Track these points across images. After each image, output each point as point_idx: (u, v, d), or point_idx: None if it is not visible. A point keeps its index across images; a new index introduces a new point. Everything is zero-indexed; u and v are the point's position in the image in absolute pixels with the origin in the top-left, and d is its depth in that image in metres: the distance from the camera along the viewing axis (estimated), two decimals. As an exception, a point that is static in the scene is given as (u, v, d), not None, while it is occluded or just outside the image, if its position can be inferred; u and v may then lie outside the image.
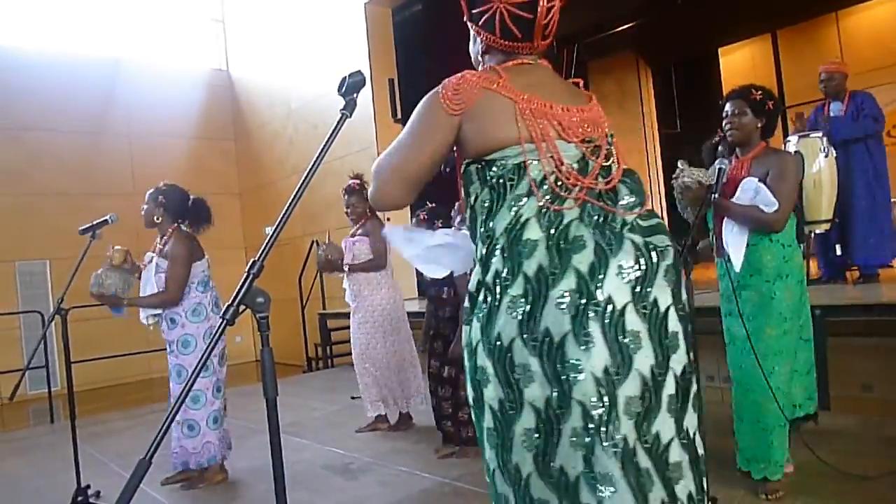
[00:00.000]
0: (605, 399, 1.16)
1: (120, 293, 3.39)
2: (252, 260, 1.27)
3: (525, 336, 1.21)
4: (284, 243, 8.73)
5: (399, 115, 7.13)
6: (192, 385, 1.22)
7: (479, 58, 1.50)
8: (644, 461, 1.18)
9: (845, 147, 4.54)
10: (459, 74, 1.36)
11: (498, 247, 1.28)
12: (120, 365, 7.82)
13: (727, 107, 2.78)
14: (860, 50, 9.09)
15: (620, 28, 9.38)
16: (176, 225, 3.52)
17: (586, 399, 1.16)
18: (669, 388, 1.21)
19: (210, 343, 1.27)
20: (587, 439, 1.16)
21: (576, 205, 1.27)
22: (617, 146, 1.37)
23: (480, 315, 1.28)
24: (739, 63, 10.61)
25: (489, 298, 1.27)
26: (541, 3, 1.35)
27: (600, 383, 1.16)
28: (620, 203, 1.29)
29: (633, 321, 1.19)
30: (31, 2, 9.00)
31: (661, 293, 1.22)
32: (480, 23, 1.41)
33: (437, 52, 7.44)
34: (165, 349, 3.54)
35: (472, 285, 1.33)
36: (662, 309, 1.22)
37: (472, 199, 1.35)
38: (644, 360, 1.19)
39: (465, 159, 1.37)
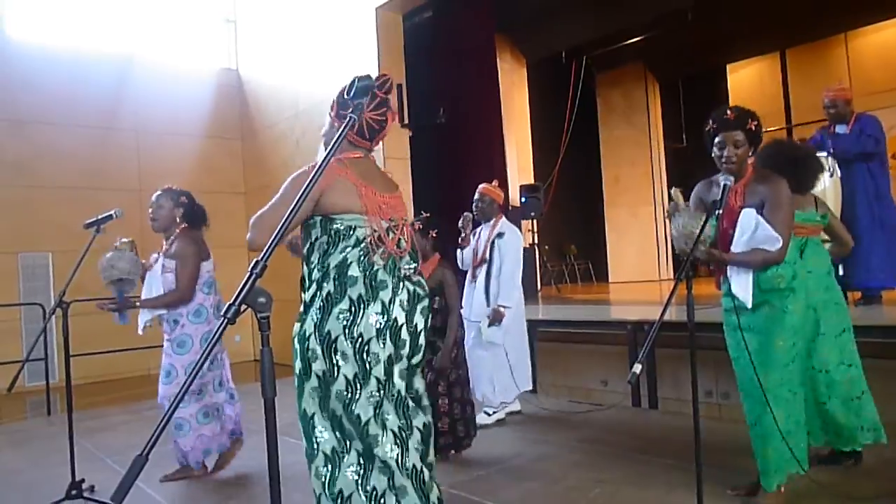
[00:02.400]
0: (387, 373, 2.01)
1: (132, 276, 3.37)
2: (255, 259, 1.27)
3: (346, 334, 1.96)
4: (287, 244, 8.72)
5: (406, 121, 7.09)
6: (190, 385, 1.21)
7: (328, 139, 2.14)
8: (409, 402, 2.10)
9: (847, 166, 4.49)
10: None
11: (331, 276, 1.98)
12: (119, 360, 7.82)
13: (720, 138, 2.67)
14: (868, 71, 9.10)
15: (629, 41, 9.40)
16: (184, 225, 3.52)
17: (379, 374, 2.00)
18: (419, 366, 2.17)
19: (210, 342, 1.28)
20: (378, 397, 2.00)
21: (382, 259, 2.01)
22: (407, 228, 2.13)
23: (315, 316, 2.00)
24: (747, 80, 10.63)
25: (323, 307, 1.98)
26: (388, 122, 2.11)
27: (384, 364, 2.00)
28: (404, 263, 2.08)
29: (404, 334, 2.06)
30: (44, -4, 9.05)
31: (419, 320, 2.11)
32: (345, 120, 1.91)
33: (445, 60, 7.48)
34: (162, 346, 3.52)
35: (307, 297, 2.04)
36: (419, 329, 2.12)
37: (313, 238, 2.04)
38: (409, 352, 2.08)
39: (314, 214, 2.01)
